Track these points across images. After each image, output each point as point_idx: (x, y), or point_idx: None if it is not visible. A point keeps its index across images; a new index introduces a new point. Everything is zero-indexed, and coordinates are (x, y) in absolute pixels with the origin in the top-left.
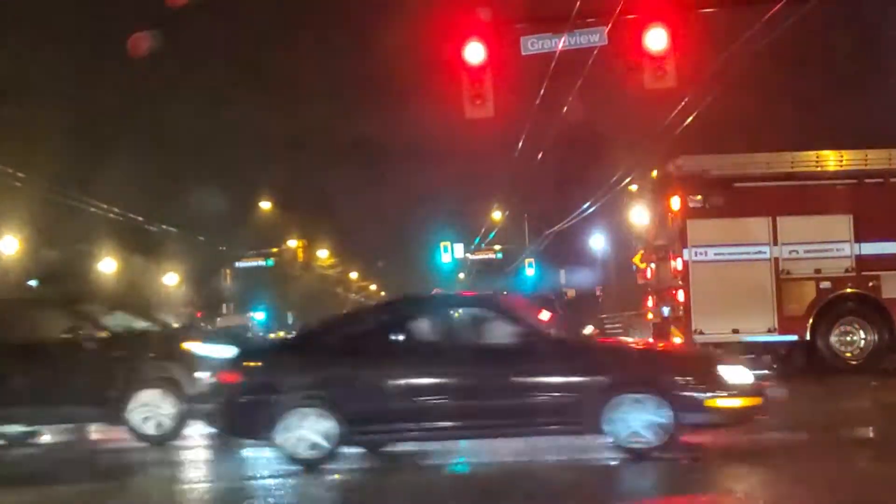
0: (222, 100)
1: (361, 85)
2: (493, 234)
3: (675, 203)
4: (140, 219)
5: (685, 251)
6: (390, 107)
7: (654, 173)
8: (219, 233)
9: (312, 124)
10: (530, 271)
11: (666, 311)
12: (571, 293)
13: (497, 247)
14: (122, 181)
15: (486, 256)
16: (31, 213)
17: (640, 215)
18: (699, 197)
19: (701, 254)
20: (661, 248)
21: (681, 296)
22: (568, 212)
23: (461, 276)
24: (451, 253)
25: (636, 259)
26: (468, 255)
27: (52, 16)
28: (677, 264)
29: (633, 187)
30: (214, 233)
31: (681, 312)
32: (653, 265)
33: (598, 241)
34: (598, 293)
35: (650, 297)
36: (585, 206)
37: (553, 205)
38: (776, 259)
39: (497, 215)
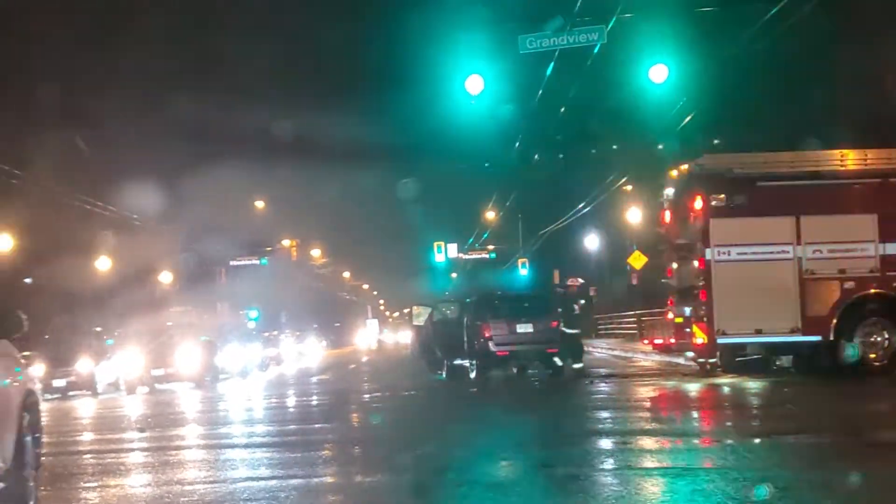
0: (218, 96)
1: (356, 84)
2: (486, 234)
3: (698, 202)
4: (135, 216)
5: (708, 251)
6: (386, 107)
7: (676, 172)
8: (213, 231)
9: (308, 122)
10: (524, 271)
11: (688, 310)
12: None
13: (490, 247)
14: (115, 178)
15: (479, 256)
16: (27, 211)
17: (635, 215)
18: (722, 196)
19: (724, 253)
20: (683, 248)
21: (703, 295)
22: (562, 212)
23: (454, 275)
24: (444, 253)
25: (631, 259)
26: (461, 254)
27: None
28: (700, 264)
29: (629, 188)
30: (209, 232)
31: (703, 312)
32: (674, 265)
33: (592, 242)
34: (592, 293)
35: (672, 297)
36: (581, 206)
37: (548, 205)
38: (800, 259)
39: (491, 215)
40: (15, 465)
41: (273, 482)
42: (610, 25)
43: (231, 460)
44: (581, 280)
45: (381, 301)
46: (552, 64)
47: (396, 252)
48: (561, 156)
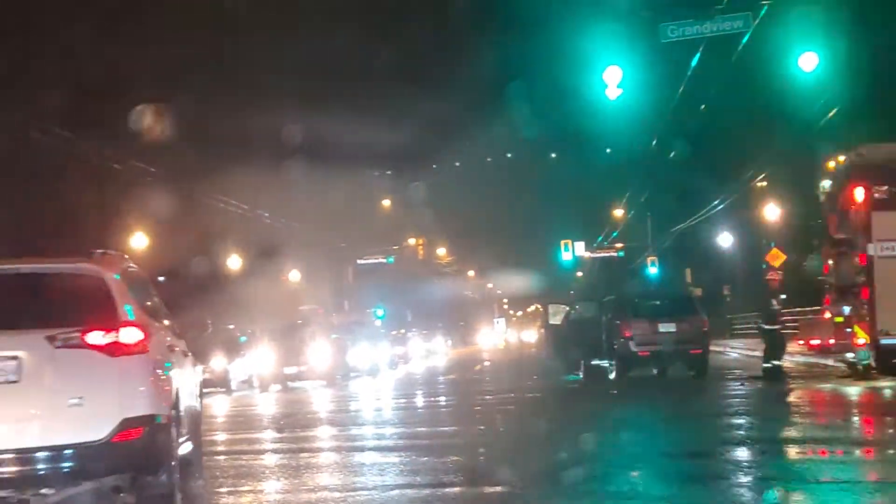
0: (344, 100)
1: (491, 82)
2: (615, 233)
3: (859, 194)
4: (266, 215)
5: (869, 246)
6: (519, 104)
7: (833, 163)
8: (341, 230)
9: (436, 121)
10: (653, 269)
11: (847, 309)
12: (698, 292)
13: (619, 245)
14: (246, 178)
15: (607, 255)
16: (161, 209)
17: (772, 212)
18: (885, 188)
19: (887, 248)
20: (841, 243)
21: (864, 294)
22: (694, 210)
23: (579, 274)
24: (571, 251)
25: (769, 257)
26: (588, 252)
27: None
28: (860, 260)
29: (764, 184)
30: (336, 230)
31: (864, 311)
32: (831, 261)
33: (725, 240)
34: (725, 292)
35: (829, 295)
36: (715, 202)
37: (679, 203)
38: None
39: (619, 213)
40: (194, 430)
41: (426, 491)
42: (762, 14)
43: (377, 464)
44: (780, 274)
45: (505, 300)
46: (698, 55)
47: (520, 251)
48: (698, 151)
